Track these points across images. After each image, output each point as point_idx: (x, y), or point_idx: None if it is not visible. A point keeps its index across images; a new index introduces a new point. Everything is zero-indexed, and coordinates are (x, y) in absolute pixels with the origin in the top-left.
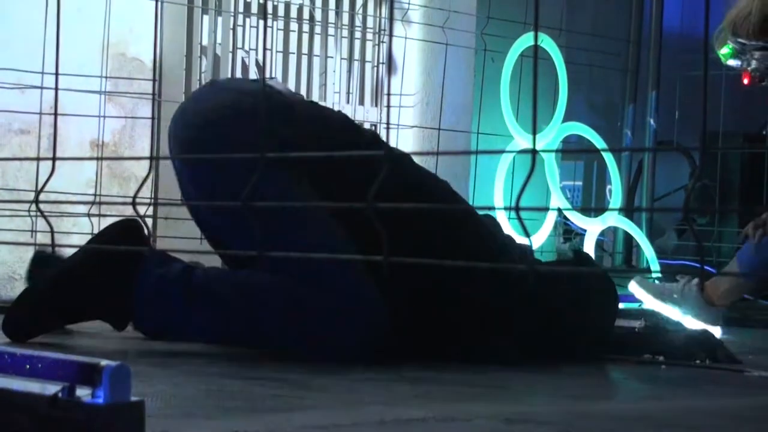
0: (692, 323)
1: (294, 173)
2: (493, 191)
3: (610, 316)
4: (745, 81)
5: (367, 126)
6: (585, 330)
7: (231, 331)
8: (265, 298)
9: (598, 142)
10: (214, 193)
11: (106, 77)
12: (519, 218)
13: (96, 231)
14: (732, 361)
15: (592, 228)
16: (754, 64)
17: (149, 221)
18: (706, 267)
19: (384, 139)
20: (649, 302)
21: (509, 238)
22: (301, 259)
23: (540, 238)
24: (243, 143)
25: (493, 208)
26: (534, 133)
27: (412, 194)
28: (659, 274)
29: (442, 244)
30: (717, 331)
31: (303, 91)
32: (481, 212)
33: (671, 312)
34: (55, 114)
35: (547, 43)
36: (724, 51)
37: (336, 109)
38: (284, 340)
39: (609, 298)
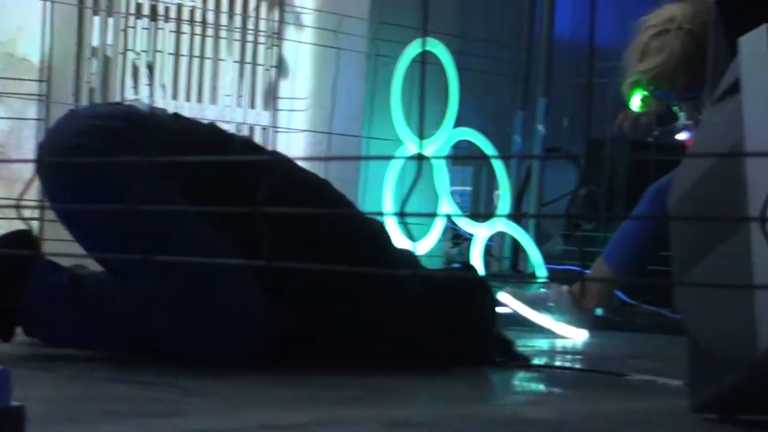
0: (565, 329)
1: (169, 185)
2: (383, 196)
3: (489, 320)
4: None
5: (258, 129)
6: (462, 333)
7: (122, 336)
8: (156, 304)
9: (488, 148)
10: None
11: None
12: (404, 223)
13: None
14: (521, 359)
15: (480, 233)
16: (682, 117)
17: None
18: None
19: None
20: (522, 311)
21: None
22: (188, 266)
23: (428, 243)
24: (102, 166)
25: (381, 214)
26: (421, 138)
27: (298, 196)
28: (545, 281)
29: (329, 246)
30: (584, 335)
31: (194, 94)
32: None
33: (544, 320)
34: None
35: (439, 49)
36: (636, 99)
37: (227, 112)
38: (174, 345)
39: (487, 303)
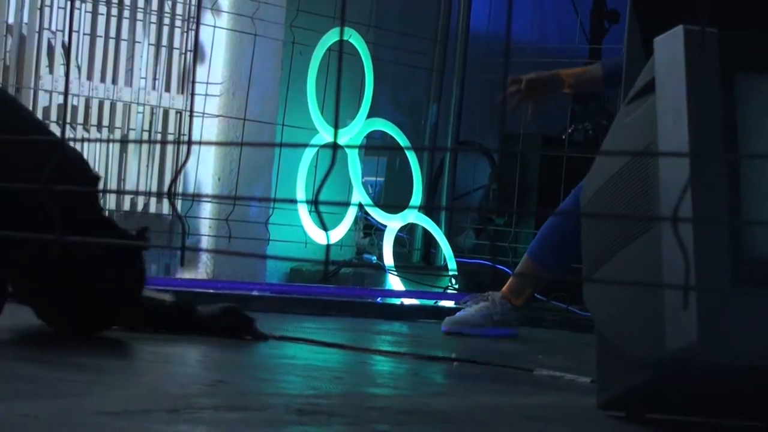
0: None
1: None
2: (296, 184)
3: (136, 288)
4: None
5: (172, 114)
6: (115, 299)
7: None
8: None
9: (402, 140)
10: None
11: None
12: (318, 212)
13: None
14: (260, 336)
15: (391, 224)
16: None
17: None
18: (501, 267)
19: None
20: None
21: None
22: None
23: (340, 232)
24: None
25: (294, 201)
26: (336, 127)
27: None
28: (455, 272)
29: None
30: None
31: (109, 75)
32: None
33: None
34: None
35: (355, 38)
36: None
37: (142, 94)
38: None
39: (135, 271)
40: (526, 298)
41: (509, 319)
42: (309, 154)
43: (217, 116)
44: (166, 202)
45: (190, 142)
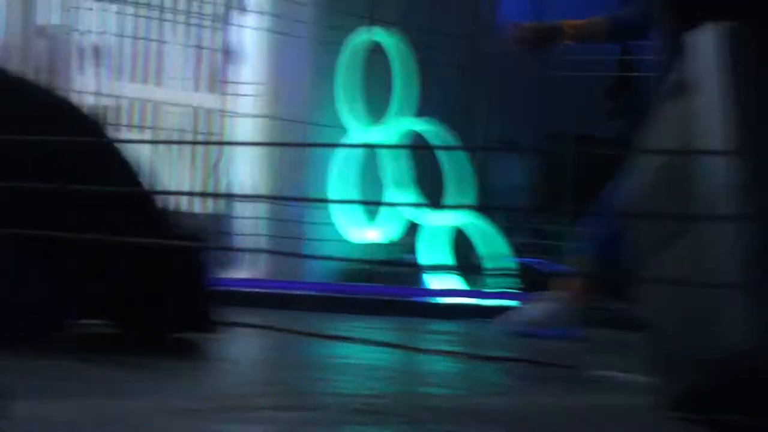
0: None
1: None
2: (336, 182)
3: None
4: None
5: (203, 112)
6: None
7: None
8: None
9: (441, 139)
10: None
11: None
12: (358, 211)
13: None
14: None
15: (436, 222)
16: None
17: None
18: (556, 266)
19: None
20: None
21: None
22: None
23: (383, 231)
24: None
25: (327, 201)
26: (372, 126)
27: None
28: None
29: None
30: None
31: (142, 76)
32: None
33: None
34: None
35: (386, 37)
36: None
37: (173, 94)
38: None
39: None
40: (587, 298)
41: (573, 320)
42: (344, 153)
43: (249, 116)
44: (205, 201)
45: (226, 143)
